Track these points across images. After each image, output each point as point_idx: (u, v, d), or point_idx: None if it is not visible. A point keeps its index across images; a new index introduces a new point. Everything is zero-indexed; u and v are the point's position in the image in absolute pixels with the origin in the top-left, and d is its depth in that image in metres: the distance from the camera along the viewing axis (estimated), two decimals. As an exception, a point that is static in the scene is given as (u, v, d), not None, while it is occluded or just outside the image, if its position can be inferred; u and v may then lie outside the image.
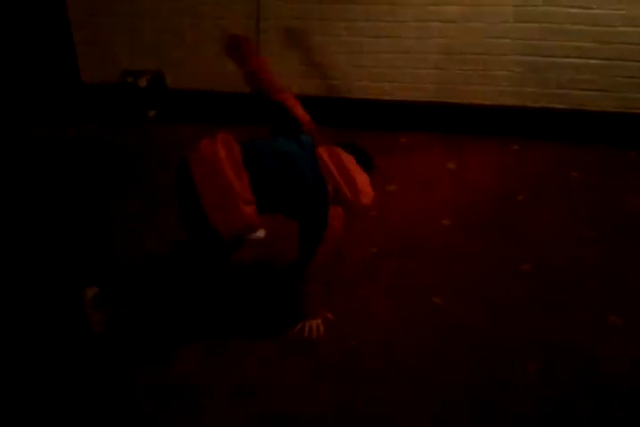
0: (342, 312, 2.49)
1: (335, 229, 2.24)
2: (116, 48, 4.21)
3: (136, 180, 3.55)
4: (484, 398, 2.09)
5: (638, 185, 3.36)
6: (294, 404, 2.11)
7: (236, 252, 2.43)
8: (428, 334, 2.37)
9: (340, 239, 2.31)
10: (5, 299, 2.60)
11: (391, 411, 2.07)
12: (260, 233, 2.18)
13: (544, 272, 2.69)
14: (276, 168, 2.20)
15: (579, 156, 3.66)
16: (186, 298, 2.57)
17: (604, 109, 3.74)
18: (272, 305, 2.55)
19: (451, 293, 2.58)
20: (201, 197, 2.09)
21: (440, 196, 3.29)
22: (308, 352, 2.31)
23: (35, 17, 4.10)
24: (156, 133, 4.10)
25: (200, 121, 4.13)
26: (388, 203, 3.23)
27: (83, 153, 3.89)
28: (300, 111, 2.42)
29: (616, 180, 3.42)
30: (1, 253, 2.92)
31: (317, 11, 3.85)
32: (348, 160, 2.31)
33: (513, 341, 2.32)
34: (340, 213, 2.25)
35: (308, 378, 2.21)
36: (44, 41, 4.18)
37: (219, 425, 2.06)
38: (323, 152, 2.30)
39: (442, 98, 3.93)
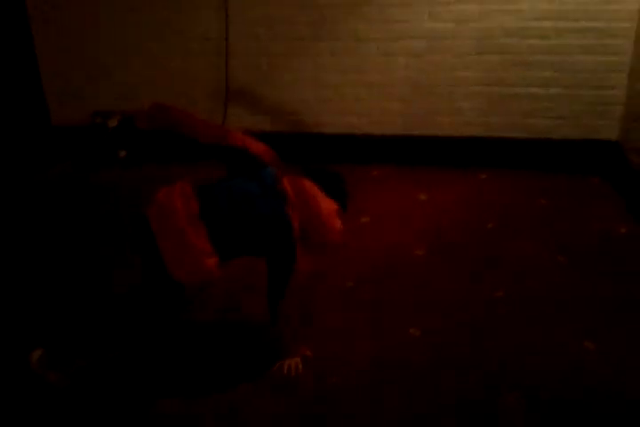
0: (320, 347, 2.47)
1: (301, 265, 2.21)
2: (85, 89, 4.22)
3: (103, 221, 3.53)
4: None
5: (603, 211, 3.43)
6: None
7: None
8: (409, 367, 2.36)
9: (308, 273, 2.28)
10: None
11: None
12: None
13: (517, 299, 2.72)
14: (234, 215, 2.16)
15: (545, 183, 3.74)
16: (145, 342, 2.51)
17: (567, 137, 3.84)
18: (246, 344, 2.53)
19: (427, 323, 2.59)
20: (161, 250, 2.07)
21: (413, 226, 3.33)
22: (288, 392, 2.27)
23: (2, 58, 4.10)
24: (127, 174, 4.09)
25: (171, 160, 4.14)
26: (361, 235, 3.25)
27: (52, 194, 3.86)
28: (255, 145, 2.35)
29: (582, 206, 3.49)
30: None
31: (284, 48, 3.92)
32: (313, 193, 2.25)
33: (490, 370, 2.32)
34: (305, 252, 2.22)
35: (289, 418, 2.17)
36: (11, 83, 4.17)
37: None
38: (287, 185, 2.24)
39: (409, 130, 3.99)
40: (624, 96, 3.68)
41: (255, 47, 3.95)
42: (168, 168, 4.06)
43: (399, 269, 2.98)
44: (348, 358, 2.42)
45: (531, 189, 3.67)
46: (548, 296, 2.73)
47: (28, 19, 4.08)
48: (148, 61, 4.10)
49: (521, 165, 3.91)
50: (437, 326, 2.57)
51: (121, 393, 2.30)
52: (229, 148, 2.34)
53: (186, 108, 3.98)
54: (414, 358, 2.40)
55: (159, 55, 4.07)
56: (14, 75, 4.14)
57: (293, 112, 4.04)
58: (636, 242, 3.13)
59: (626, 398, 2.17)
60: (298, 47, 3.90)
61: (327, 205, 2.26)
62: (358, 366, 2.37)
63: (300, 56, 3.92)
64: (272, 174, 2.28)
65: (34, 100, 4.26)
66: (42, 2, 4.05)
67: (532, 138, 3.89)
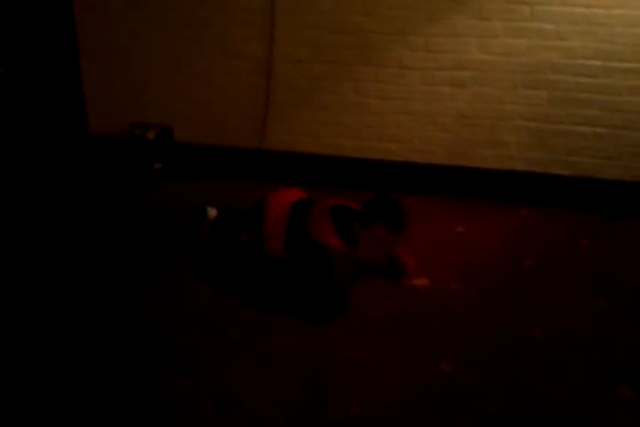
0: (346, 375, 2.40)
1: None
2: (125, 100, 4.24)
3: (136, 234, 3.50)
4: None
5: (646, 254, 3.34)
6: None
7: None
8: (435, 403, 2.27)
9: None
10: None
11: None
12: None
13: (555, 340, 2.62)
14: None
15: (587, 223, 3.64)
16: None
17: (612, 177, 3.75)
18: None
19: (459, 359, 2.49)
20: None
21: (448, 259, 3.25)
22: (311, 418, 2.20)
23: (47, 68, 4.14)
24: (161, 187, 4.08)
25: (204, 176, 4.16)
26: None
27: (86, 205, 3.85)
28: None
29: (626, 248, 3.39)
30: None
31: (328, 71, 3.90)
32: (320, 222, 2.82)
33: (523, 411, 2.23)
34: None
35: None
36: (54, 92, 4.20)
37: None
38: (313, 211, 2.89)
39: (450, 161, 3.93)
40: (671, 139, 3.61)
41: (298, 69, 3.93)
42: (202, 183, 4.05)
43: (432, 301, 2.89)
44: (374, 388, 2.34)
45: (572, 229, 3.58)
46: (587, 339, 2.63)
47: (74, 29, 4.12)
48: (190, 77, 4.10)
49: (563, 203, 3.82)
50: (468, 363, 2.48)
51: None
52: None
53: (223, 126, 4.10)
54: (443, 394, 2.31)
55: (201, 72, 4.08)
56: (57, 83, 4.18)
57: (333, 135, 4.00)
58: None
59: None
60: (341, 71, 3.88)
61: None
62: (383, 398, 2.29)
63: (343, 80, 3.90)
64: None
65: (74, 109, 4.28)
66: (89, 13, 4.09)
67: (575, 176, 3.80)
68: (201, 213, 3.28)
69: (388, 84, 3.86)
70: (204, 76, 4.08)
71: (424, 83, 3.80)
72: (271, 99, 4.00)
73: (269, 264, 2.97)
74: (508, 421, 2.20)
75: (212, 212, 3.29)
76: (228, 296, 2.91)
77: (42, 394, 2.30)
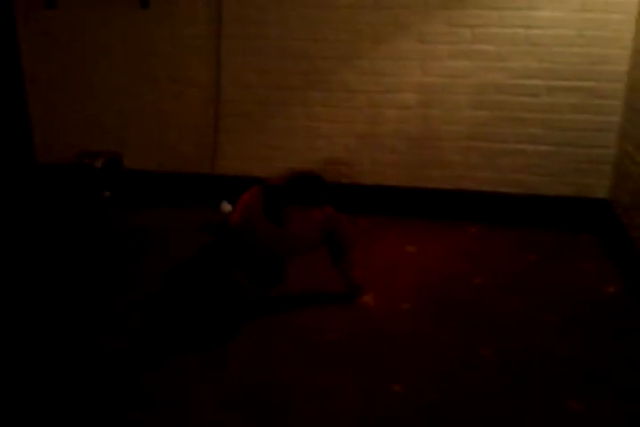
0: (303, 397, 2.39)
1: None
2: (73, 128, 4.20)
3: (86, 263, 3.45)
4: None
5: (594, 269, 3.40)
6: None
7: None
8: (388, 425, 2.27)
9: None
10: None
11: None
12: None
13: (504, 357, 2.64)
14: None
15: (534, 239, 3.71)
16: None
17: (557, 194, 3.83)
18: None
19: (410, 379, 2.50)
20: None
21: (400, 279, 3.27)
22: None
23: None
24: (110, 215, 4.03)
25: (156, 202, 4.12)
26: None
27: (36, 234, 3.78)
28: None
29: (572, 263, 3.46)
30: None
31: (276, 96, 3.92)
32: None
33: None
34: None
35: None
36: None
37: None
38: None
39: (400, 182, 3.98)
40: (614, 155, 3.70)
41: (247, 94, 3.94)
42: (150, 211, 4.02)
43: (384, 323, 2.90)
44: (330, 410, 2.33)
45: (520, 245, 3.64)
46: (536, 355, 2.66)
47: (19, 57, 4.08)
48: (138, 105, 4.08)
49: (510, 221, 3.89)
50: (420, 383, 2.48)
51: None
52: None
53: (173, 152, 4.09)
54: (397, 416, 2.31)
55: (149, 99, 4.06)
56: (2, 112, 4.12)
57: (284, 159, 4.00)
58: (623, 302, 3.09)
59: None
60: (289, 96, 3.91)
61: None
62: (339, 419, 2.29)
63: (292, 105, 3.92)
64: None
65: (20, 138, 4.21)
66: (34, 42, 4.05)
67: (522, 194, 3.87)
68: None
69: (335, 108, 3.90)
70: (152, 104, 4.06)
71: (371, 105, 3.85)
72: (221, 124, 4.00)
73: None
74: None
75: (227, 206, 3.49)
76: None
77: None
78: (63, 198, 4.17)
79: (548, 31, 3.55)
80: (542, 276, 3.32)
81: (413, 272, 3.34)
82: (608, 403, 2.38)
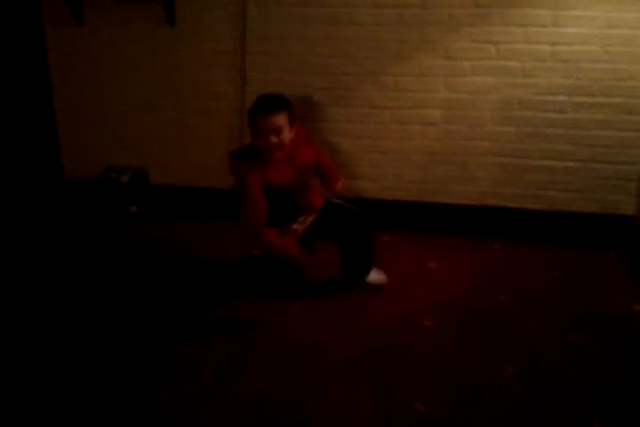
0: (318, 417, 2.37)
1: None
2: (99, 144, 4.27)
3: (113, 278, 3.48)
4: None
5: (620, 287, 3.35)
6: None
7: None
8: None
9: None
10: None
11: None
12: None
13: (527, 375, 2.61)
14: None
15: (560, 256, 3.67)
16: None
17: (583, 211, 3.80)
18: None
19: (432, 397, 2.48)
20: None
21: (422, 295, 3.25)
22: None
23: (21, 110, 4.16)
24: (137, 230, 4.07)
25: (181, 218, 4.16)
26: (369, 302, 3.20)
27: (64, 248, 3.83)
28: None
29: (598, 281, 3.41)
30: None
31: (299, 111, 3.90)
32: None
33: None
34: None
35: None
36: (29, 136, 4.22)
37: None
38: None
39: (424, 197, 3.97)
40: (640, 172, 3.66)
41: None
42: (178, 225, 4.06)
43: (406, 339, 2.88)
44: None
45: (544, 262, 3.61)
46: (560, 374, 2.62)
47: (48, 73, 4.16)
48: (163, 120, 4.14)
49: (535, 237, 3.86)
50: (442, 401, 2.46)
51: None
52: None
53: (198, 167, 4.13)
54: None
55: (174, 113, 4.11)
56: (31, 127, 4.20)
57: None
58: (650, 320, 3.04)
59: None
60: (313, 111, 3.93)
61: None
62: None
63: (316, 120, 3.94)
64: None
65: (49, 154, 4.30)
66: (63, 58, 4.14)
67: (546, 210, 3.84)
68: None
69: (359, 124, 3.91)
70: (177, 119, 4.11)
71: (395, 121, 3.85)
72: (245, 139, 4.03)
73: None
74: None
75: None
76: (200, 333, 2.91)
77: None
78: (90, 213, 4.23)
79: (573, 47, 3.53)
80: (567, 294, 3.28)
81: (436, 288, 3.32)
82: (633, 425, 2.33)
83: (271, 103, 2.86)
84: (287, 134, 2.86)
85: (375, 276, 3.34)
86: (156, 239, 3.91)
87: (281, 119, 2.83)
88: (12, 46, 4.04)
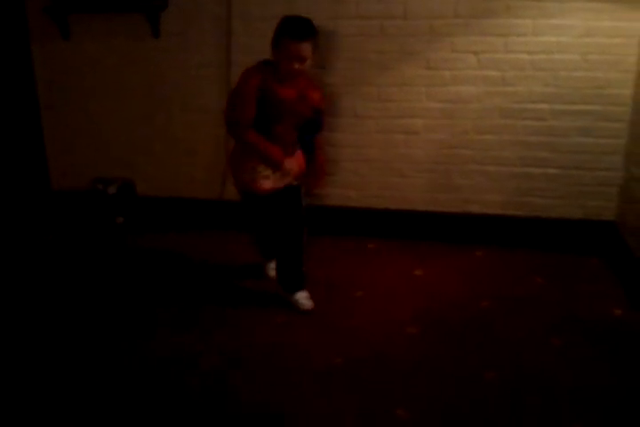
0: (304, 422, 2.41)
1: None
2: (86, 156, 4.30)
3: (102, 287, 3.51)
4: None
5: (601, 292, 3.40)
6: None
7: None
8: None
9: None
10: None
11: None
12: None
13: (509, 380, 2.65)
14: None
15: (542, 262, 3.72)
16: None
17: (564, 216, 3.85)
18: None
19: (415, 404, 2.51)
20: None
21: (407, 303, 3.29)
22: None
23: (9, 123, 4.19)
24: (124, 240, 4.11)
25: (169, 228, 4.20)
26: (354, 309, 3.23)
27: (53, 261, 3.86)
28: None
29: (580, 286, 3.46)
30: None
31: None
32: None
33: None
34: None
35: None
36: (15, 147, 4.25)
37: None
38: None
39: (407, 206, 4.02)
40: (620, 178, 3.71)
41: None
42: (164, 236, 4.09)
43: (390, 346, 2.92)
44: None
45: (527, 268, 3.66)
46: (541, 380, 2.66)
47: (35, 86, 4.20)
48: (149, 132, 4.17)
49: (518, 244, 3.91)
50: (425, 408, 2.50)
51: None
52: None
53: (184, 178, 4.16)
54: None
55: (159, 126, 4.15)
56: (18, 139, 4.23)
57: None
58: (630, 326, 3.08)
59: None
60: (298, 121, 3.97)
61: None
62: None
63: (301, 130, 3.98)
64: None
65: (35, 165, 4.33)
66: (49, 71, 4.17)
67: (528, 216, 3.90)
68: None
69: (344, 133, 3.95)
70: (163, 131, 4.15)
71: (378, 131, 3.90)
72: (230, 151, 4.06)
73: None
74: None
75: None
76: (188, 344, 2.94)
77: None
78: (78, 224, 4.26)
79: (552, 56, 3.59)
80: (549, 299, 3.33)
81: (420, 295, 3.36)
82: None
83: (306, 29, 2.84)
84: (309, 62, 2.88)
85: (302, 298, 3.24)
86: (143, 250, 3.95)
87: (309, 47, 2.84)
88: (-2, 60, 4.08)
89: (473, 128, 3.80)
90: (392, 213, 4.05)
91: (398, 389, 2.62)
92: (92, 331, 3.06)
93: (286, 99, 2.91)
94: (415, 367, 2.76)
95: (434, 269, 3.65)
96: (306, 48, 2.82)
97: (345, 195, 4.06)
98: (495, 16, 3.57)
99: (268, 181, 3.01)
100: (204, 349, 2.89)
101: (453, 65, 3.70)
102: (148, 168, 4.26)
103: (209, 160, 4.12)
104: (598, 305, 3.26)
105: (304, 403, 2.53)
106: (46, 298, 3.38)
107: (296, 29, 2.81)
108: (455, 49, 3.67)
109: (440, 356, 2.84)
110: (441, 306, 3.26)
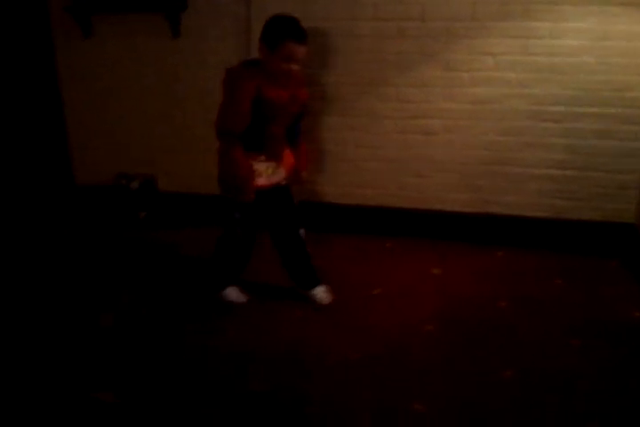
0: (322, 416, 2.42)
1: None
2: (110, 152, 4.38)
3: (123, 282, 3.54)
4: None
5: (621, 294, 3.39)
6: None
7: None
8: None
9: None
10: None
11: None
12: None
13: (526, 379, 2.65)
14: None
15: (562, 264, 3.72)
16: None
17: (584, 218, 3.85)
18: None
19: (432, 400, 2.52)
20: None
21: (424, 301, 3.30)
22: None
23: (34, 121, 4.26)
24: (146, 234, 4.16)
25: (187, 224, 4.26)
26: (372, 307, 3.24)
27: (75, 252, 3.90)
28: None
29: (598, 288, 3.45)
30: None
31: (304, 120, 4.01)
32: None
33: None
34: None
35: None
36: (40, 144, 4.32)
37: None
38: None
39: (425, 205, 4.04)
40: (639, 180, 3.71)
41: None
42: (183, 231, 4.16)
43: (407, 343, 2.93)
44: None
45: (546, 269, 3.65)
46: (559, 378, 2.66)
47: (58, 84, 4.26)
48: (170, 129, 4.23)
49: (537, 245, 3.92)
50: (442, 404, 2.50)
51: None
52: None
53: (203, 174, 4.19)
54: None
55: (180, 124, 4.21)
56: (43, 136, 4.31)
57: (312, 182, 4.07)
58: (650, 326, 3.08)
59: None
60: (315, 121, 3.99)
61: None
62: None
63: (318, 130, 4.01)
64: None
65: (59, 161, 4.41)
66: (72, 70, 4.24)
67: (548, 218, 3.90)
68: None
69: (362, 133, 3.98)
70: (183, 128, 4.20)
71: (396, 131, 3.92)
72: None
73: None
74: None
75: None
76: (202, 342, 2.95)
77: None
78: (101, 218, 4.34)
79: (570, 59, 3.59)
80: (568, 300, 3.32)
81: (438, 294, 3.37)
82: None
83: (303, 30, 2.80)
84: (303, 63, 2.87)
85: (320, 292, 3.27)
86: (164, 244, 3.99)
87: (307, 49, 2.83)
88: (23, 59, 4.15)
89: (492, 129, 3.80)
90: (409, 212, 4.06)
91: (416, 385, 2.62)
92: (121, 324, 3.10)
93: (280, 102, 2.88)
94: (432, 365, 2.76)
95: (453, 269, 3.65)
96: (305, 49, 2.83)
97: (362, 194, 4.08)
98: (513, 19, 3.58)
99: (261, 179, 2.99)
100: (221, 343, 2.91)
101: (471, 66, 3.72)
102: (168, 165, 4.33)
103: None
104: (618, 307, 3.25)
105: (322, 395, 2.54)
106: (63, 292, 3.41)
107: (299, 31, 2.80)
108: (473, 51, 3.68)
109: (458, 354, 2.84)
110: (459, 305, 3.26)
